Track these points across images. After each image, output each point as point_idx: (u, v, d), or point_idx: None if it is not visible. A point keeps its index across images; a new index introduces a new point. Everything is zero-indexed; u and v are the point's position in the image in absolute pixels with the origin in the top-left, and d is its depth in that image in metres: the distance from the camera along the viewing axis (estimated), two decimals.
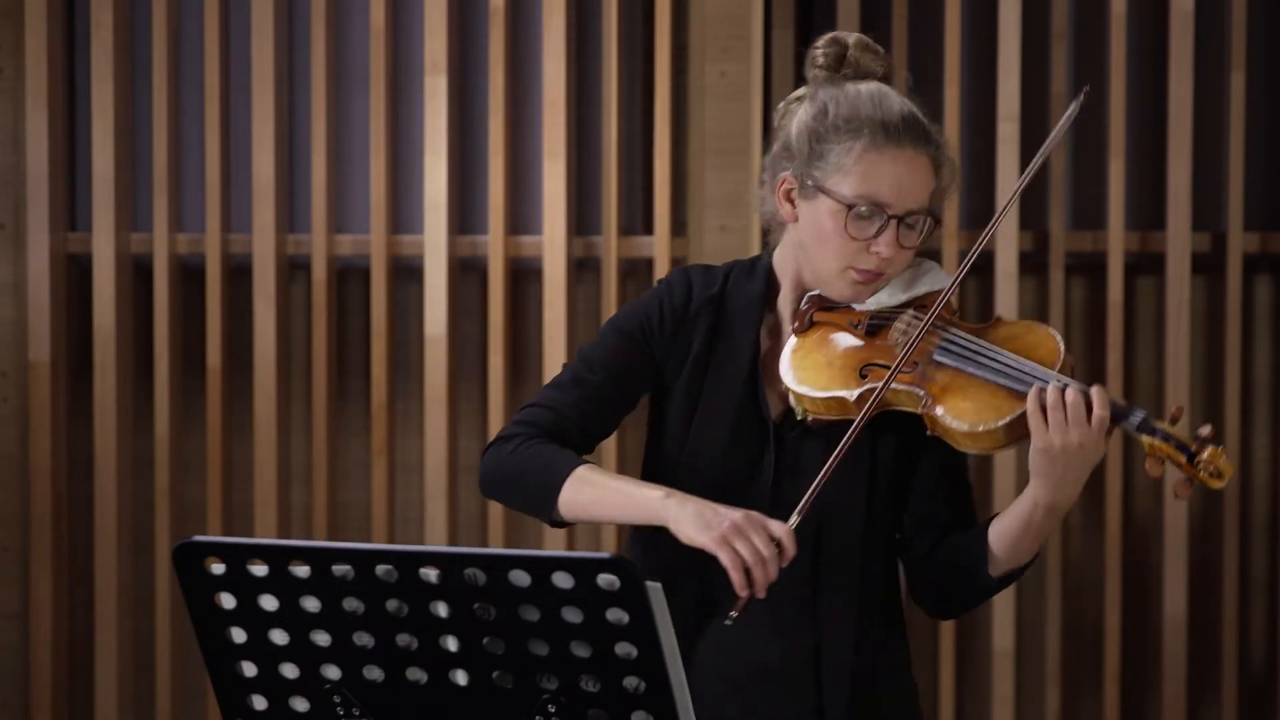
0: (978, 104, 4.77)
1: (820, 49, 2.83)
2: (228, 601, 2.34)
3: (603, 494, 2.66)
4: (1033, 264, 4.78)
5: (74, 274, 4.80)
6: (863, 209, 2.70)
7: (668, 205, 4.65)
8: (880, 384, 2.63)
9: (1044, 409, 2.56)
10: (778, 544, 2.55)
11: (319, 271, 4.69)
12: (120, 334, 4.70)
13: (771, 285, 2.82)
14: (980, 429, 2.59)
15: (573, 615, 2.25)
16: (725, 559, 2.54)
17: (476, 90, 4.73)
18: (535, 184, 4.72)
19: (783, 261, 2.82)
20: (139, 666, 4.79)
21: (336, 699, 2.36)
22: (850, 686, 2.75)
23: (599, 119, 4.70)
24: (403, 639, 2.31)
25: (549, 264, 4.63)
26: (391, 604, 2.29)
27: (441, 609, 2.28)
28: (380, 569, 2.28)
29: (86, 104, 4.75)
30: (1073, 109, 2.74)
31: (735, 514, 2.56)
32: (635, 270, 4.77)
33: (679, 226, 4.69)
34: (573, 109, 4.67)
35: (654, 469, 2.81)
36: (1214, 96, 4.77)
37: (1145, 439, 2.57)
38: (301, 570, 2.30)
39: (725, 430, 2.75)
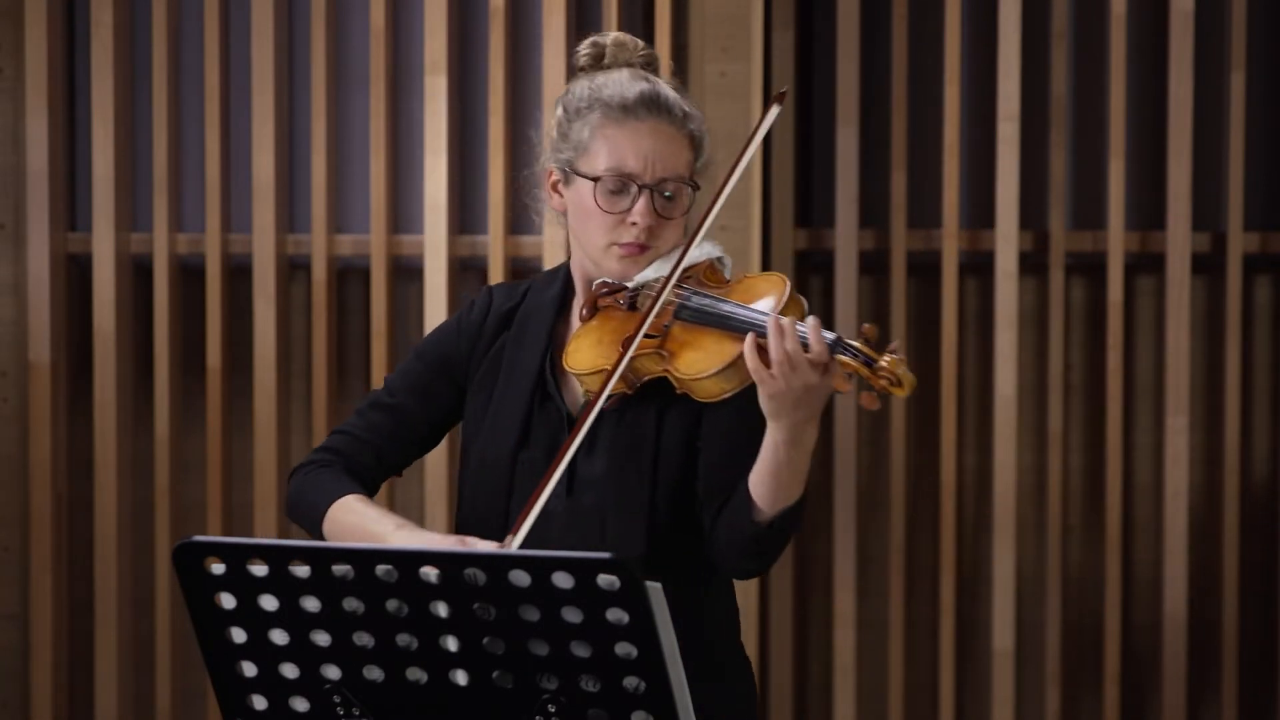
0: (978, 104, 4.77)
1: (581, 51, 2.90)
2: (228, 601, 2.34)
3: (346, 529, 2.79)
4: (1033, 264, 4.78)
5: (74, 274, 4.80)
6: (611, 182, 2.77)
7: None
8: (625, 346, 2.69)
9: (762, 356, 2.60)
10: None
11: (319, 271, 4.69)
12: (120, 334, 4.70)
13: (569, 288, 2.90)
14: (704, 375, 2.66)
15: (573, 615, 2.25)
16: None
17: (476, 90, 4.73)
18: None
19: (573, 262, 2.90)
20: (139, 666, 4.79)
21: (336, 699, 2.36)
22: None
23: None
24: (403, 639, 2.31)
25: (549, 263, 4.62)
26: (391, 604, 2.29)
27: (441, 609, 2.28)
28: (380, 569, 2.29)
29: (86, 104, 4.75)
30: (772, 113, 2.78)
31: (447, 541, 2.64)
32: None
33: None
34: None
35: (462, 474, 2.89)
36: (1214, 96, 4.77)
37: (839, 358, 2.58)
38: (301, 570, 2.30)
39: (516, 426, 2.81)
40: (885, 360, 2.54)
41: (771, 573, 4.75)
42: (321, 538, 2.82)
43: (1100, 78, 4.76)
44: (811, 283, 4.84)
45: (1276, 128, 4.80)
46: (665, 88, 2.83)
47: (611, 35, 2.89)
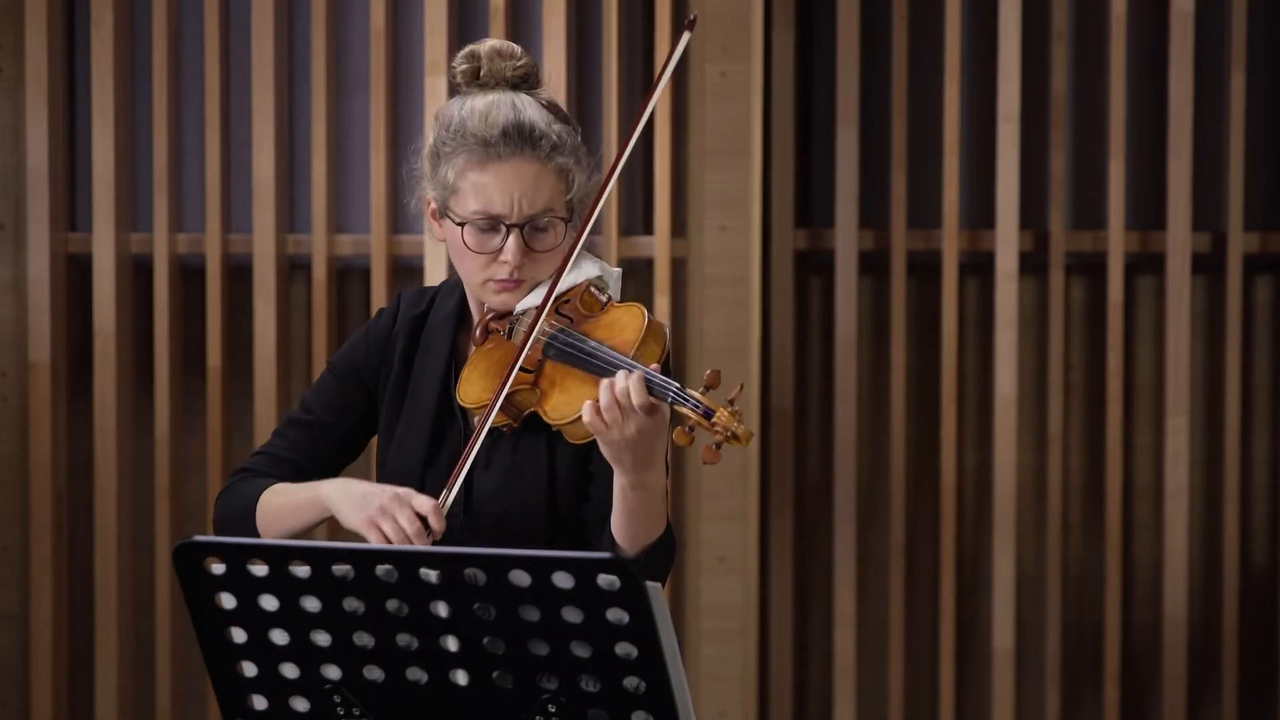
0: (978, 104, 4.77)
1: (456, 65, 2.83)
2: (228, 601, 2.34)
3: (285, 501, 2.76)
4: (1033, 264, 4.78)
5: (74, 274, 4.80)
6: (480, 223, 2.74)
7: (668, 205, 4.65)
8: (500, 386, 2.69)
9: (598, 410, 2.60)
10: (424, 520, 2.61)
11: (319, 271, 4.69)
12: (120, 334, 4.70)
13: (466, 301, 2.87)
14: (569, 420, 2.66)
15: (573, 615, 2.25)
16: (373, 539, 2.61)
17: None
18: None
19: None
20: (139, 666, 4.79)
21: (336, 699, 2.36)
22: None
23: (599, 119, 4.70)
24: (403, 639, 2.31)
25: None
26: (391, 604, 2.30)
27: (441, 609, 2.28)
28: (380, 569, 2.29)
29: (86, 104, 4.75)
30: (684, 40, 2.77)
31: (385, 493, 2.64)
32: (636, 270, 4.77)
33: (679, 227, 4.69)
34: (573, 109, 4.67)
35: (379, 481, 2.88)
36: (1214, 96, 4.77)
37: (678, 409, 2.58)
38: (301, 570, 2.30)
39: (424, 438, 2.80)
40: (722, 415, 2.54)
41: (771, 573, 4.75)
42: (256, 534, 2.78)
43: (1100, 78, 4.76)
44: (811, 283, 4.84)
45: (1276, 128, 4.80)
46: (532, 112, 2.76)
47: (488, 44, 2.81)
